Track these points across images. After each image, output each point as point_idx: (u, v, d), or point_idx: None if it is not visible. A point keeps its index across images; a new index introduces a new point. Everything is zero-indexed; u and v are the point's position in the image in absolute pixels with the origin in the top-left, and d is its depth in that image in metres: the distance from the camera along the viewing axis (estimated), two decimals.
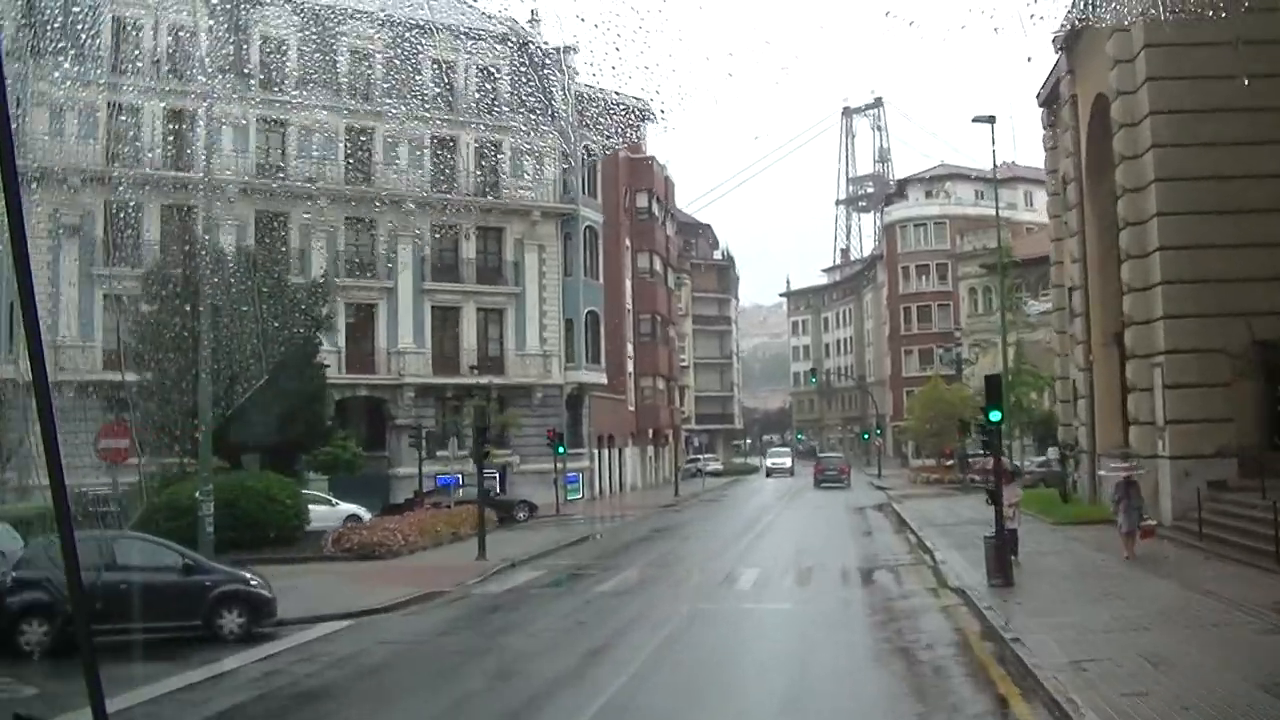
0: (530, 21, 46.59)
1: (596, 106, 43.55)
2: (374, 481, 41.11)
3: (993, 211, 64.82)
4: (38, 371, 2.41)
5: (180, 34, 37.66)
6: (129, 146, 40.01)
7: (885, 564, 24.76)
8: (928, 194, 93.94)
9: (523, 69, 46.42)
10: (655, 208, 67.17)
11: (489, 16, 44.33)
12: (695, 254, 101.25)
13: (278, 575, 23.22)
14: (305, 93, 41.87)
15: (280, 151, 43.98)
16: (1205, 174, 25.41)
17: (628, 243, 62.27)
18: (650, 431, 68.29)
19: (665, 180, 70.91)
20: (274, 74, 41.80)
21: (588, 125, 46.74)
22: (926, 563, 24.28)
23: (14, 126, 2.34)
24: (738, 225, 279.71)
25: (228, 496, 26.82)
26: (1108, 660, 12.33)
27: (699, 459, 79.26)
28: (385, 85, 43.17)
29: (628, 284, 62.13)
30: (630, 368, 62.98)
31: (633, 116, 41.80)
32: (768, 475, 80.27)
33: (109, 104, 37.99)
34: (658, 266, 68.00)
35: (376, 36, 41.95)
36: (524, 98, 46.95)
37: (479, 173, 47.02)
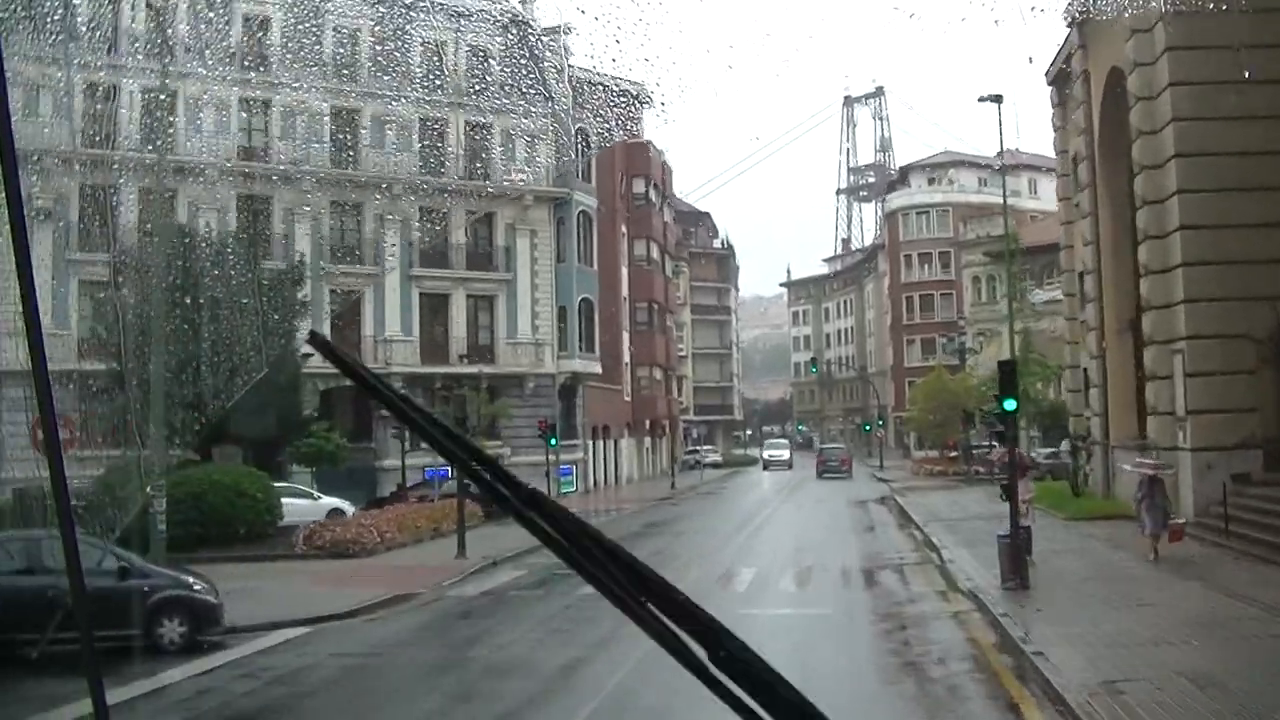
0: (523, 1, 45.13)
1: (593, 90, 42.22)
2: (360, 474, 39.73)
3: (996, 199, 63.44)
4: (38, 365, 2.30)
5: (160, 9, 36.24)
6: (105, 127, 38.56)
7: (890, 563, 23.27)
8: (930, 181, 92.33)
9: (516, 49, 44.88)
10: (653, 194, 65.65)
11: None
12: (694, 242, 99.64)
13: (243, 575, 21.89)
14: (290, 72, 40.39)
15: (264, 133, 42.48)
16: (1229, 149, 23.83)
17: (624, 229, 60.73)
18: (647, 422, 66.75)
19: (663, 166, 69.36)
20: (257, 53, 40.33)
21: (583, 108, 45.34)
22: (933, 561, 22.83)
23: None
24: (738, 215, 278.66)
25: (194, 490, 25.50)
26: (1145, 681, 10.86)
27: (698, 450, 77.53)
28: (373, 64, 41.65)
29: (624, 271, 60.58)
30: (626, 357, 61.44)
31: (630, 101, 40.37)
32: (764, 468, 77.84)
33: (85, 83, 36.57)
34: (655, 254, 66.44)
35: (366, 13, 40.50)
36: (516, 79, 45.39)
37: (468, 155, 45.45)
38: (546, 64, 45.43)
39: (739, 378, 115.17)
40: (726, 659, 1.53)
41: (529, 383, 46.90)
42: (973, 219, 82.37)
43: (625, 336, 61.09)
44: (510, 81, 45.50)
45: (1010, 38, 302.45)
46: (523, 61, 45.09)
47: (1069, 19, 32.91)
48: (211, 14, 36.34)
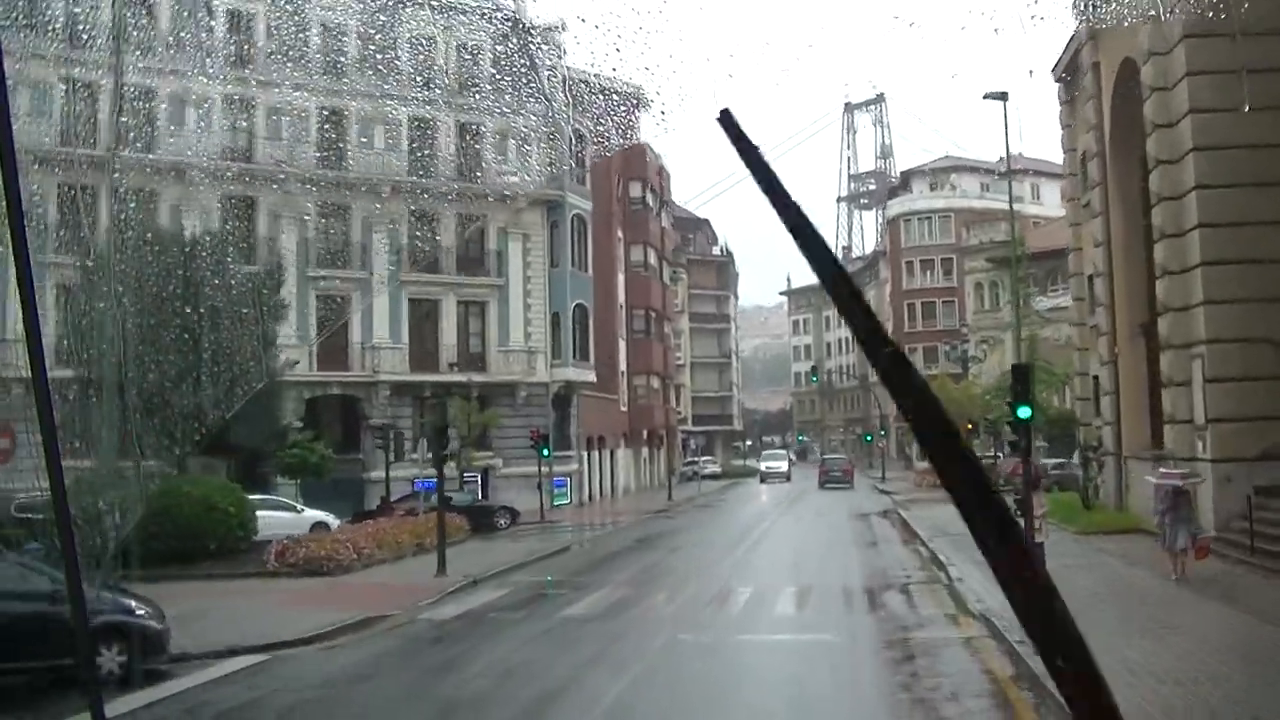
0: None
1: (589, 91, 41.03)
2: (347, 486, 38.46)
3: (998, 204, 62.32)
4: (37, 371, 2.28)
5: (144, 5, 35.13)
6: (85, 126, 37.40)
7: (895, 582, 21.92)
8: (932, 186, 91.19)
9: (508, 47, 43.66)
10: (650, 198, 64.34)
11: None
12: (693, 249, 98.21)
13: (206, 594, 20.64)
14: (275, 70, 39.22)
15: (247, 133, 41.25)
16: (1250, 142, 22.52)
17: (620, 234, 59.46)
18: (644, 432, 65.41)
19: (660, 170, 68.09)
20: (242, 50, 39.16)
21: (578, 109, 44.11)
22: (941, 580, 21.50)
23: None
24: (738, 224, 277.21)
25: (163, 503, 24.19)
26: None
27: (696, 461, 75.94)
28: (360, 63, 40.43)
29: (620, 277, 59.31)
30: (623, 365, 60.14)
31: (627, 104, 39.20)
32: (761, 481, 74.68)
33: (65, 80, 35.43)
34: (652, 259, 65.16)
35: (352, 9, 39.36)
36: (509, 78, 44.14)
37: (458, 157, 44.18)
38: (540, 63, 44.22)
39: (739, 387, 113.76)
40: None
41: (521, 391, 45.63)
42: (975, 224, 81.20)
43: (621, 344, 59.82)
44: (502, 80, 44.26)
45: (1010, 45, 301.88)
46: (515, 60, 43.89)
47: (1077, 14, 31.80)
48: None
